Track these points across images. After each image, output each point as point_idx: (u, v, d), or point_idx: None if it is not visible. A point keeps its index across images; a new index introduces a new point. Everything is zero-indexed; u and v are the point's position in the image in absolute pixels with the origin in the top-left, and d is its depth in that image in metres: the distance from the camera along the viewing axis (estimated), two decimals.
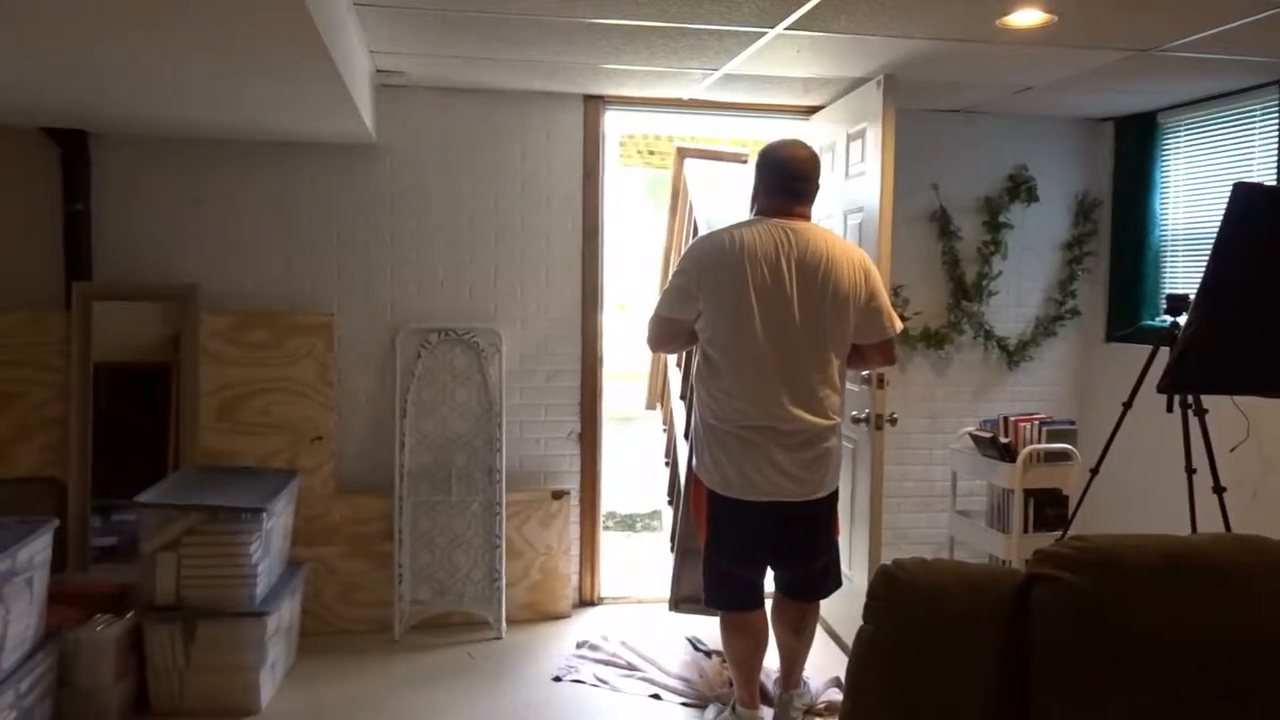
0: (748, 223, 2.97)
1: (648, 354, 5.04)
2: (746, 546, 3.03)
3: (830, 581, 3.16)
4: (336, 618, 4.06)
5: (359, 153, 4.11)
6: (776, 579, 3.17)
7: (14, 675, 2.80)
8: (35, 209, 3.87)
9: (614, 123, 4.49)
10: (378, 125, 4.03)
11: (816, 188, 3.02)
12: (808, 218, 3.00)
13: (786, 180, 2.98)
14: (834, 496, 3.07)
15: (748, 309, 2.83)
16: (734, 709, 3.22)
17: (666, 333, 3.06)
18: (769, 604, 3.20)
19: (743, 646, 3.13)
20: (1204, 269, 2.90)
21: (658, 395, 5.10)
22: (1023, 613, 1.55)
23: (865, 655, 1.60)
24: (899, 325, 3.03)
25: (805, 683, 3.32)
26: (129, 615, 3.29)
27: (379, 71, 3.82)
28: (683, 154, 4.64)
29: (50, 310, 3.85)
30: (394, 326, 4.18)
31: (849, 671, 1.64)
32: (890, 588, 1.62)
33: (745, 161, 4.58)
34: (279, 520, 3.61)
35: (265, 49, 2.48)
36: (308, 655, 3.81)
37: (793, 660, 3.23)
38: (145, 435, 3.95)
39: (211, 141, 4.01)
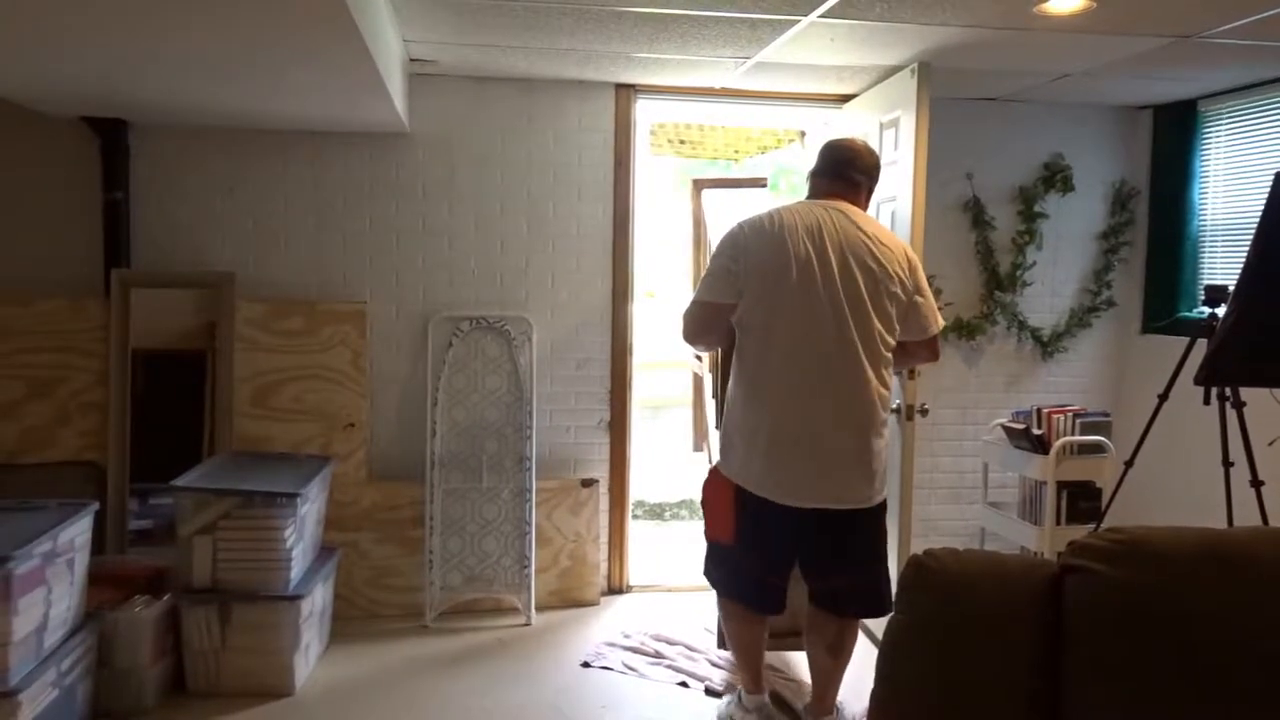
0: (792, 205, 2.80)
1: (683, 353, 4.83)
2: (771, 549, 2.80)
3: (879, 600, 2.85)
4: (368, 602, 4.11)
5: (392, 141, 4.13)
6: (811, 592, 2.92)
7: (55, 654, 2.86)
8: (75, 197, 3.93)
9: (645, 111, 4.48)
10: (411, 114, 4.05)
11: (871, 180, 2.88)
12: (862, 203, 2.86)
13: (837, 164, 2.84)
14: (882, 506, 2.80)
15: (791, 295, 2.62)
16: (739, 698, 3.10)
17: (705, 320, 2.80)
18: (784, 616, 3.03)
19: (744, 633, 2.96)
20: (1244, 259, 2.85)
21: (704, 434, 4.92)
22: (1056, 604, 1.54)
23: (896, 644, 1.60)
24: (941, 322, 2.88)
25: (840, 708, 3.12)
26: (166, 597, 3.34)
27: (412, 60, 3.84)
28: (699, 185, 4.58)
29: (90, 297, 3.91)
30: (426, 314, 4.21)
31: (879, 660, 1.64)
32: (921, 577, 1.61)
33: (764, 185, 4.51)
34: (313, 506, 3.65)
35: (302, 39, 2.50)
36: (340, 639, 3.86)
37: (826, 683, 2.98)
38: (182, 421, 4.01)
39: (248, 131, 4.05)
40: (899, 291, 2.69)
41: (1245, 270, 2.72)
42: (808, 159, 5.30)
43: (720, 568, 2.95)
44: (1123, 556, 1.51)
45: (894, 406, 3.69)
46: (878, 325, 2.66)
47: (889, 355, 2.71)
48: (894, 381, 2.86)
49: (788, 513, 2.68)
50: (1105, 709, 1.47)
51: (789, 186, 6.83)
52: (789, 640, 3.49)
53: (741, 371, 2.77)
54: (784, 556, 2.83)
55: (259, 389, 4.02)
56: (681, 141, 8.45)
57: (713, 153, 8.37)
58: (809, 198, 2.86)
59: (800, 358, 2.64)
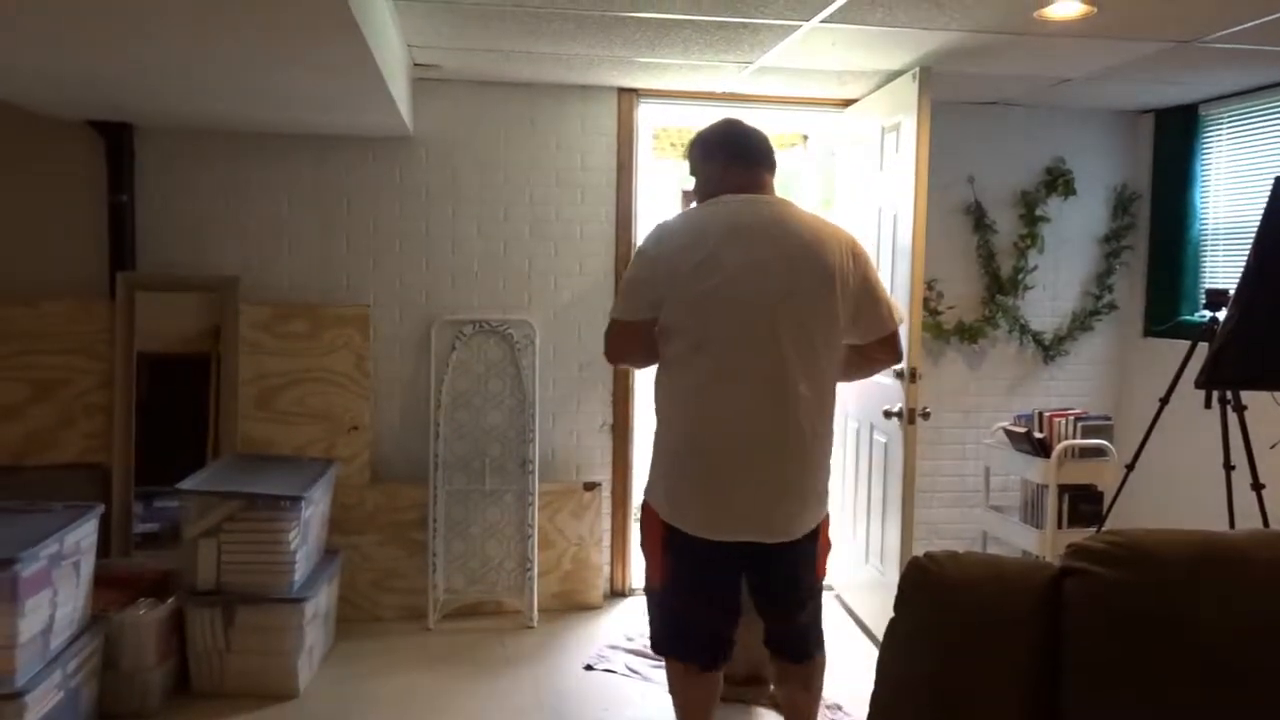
0: (710, 203, 2.43)
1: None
2: (704, 593, 2.43)
3: (812, 639, 2.55)
4: (372, 605, 4.12)
5: (396, 146, 4.15)
6: (767, 637, 2.59)
7: (61, 656, 2.88)
8: (81, 200, 3.95)
9: (647, 116, 4.50)
10: (414, 118, 4.07)
11: (771, 154, 2.50)
12: (771, 189, 2.48)
13: (743, 150, 2.46)
14: (818, 531, 2.45)
15: (715, 300, 2.28)
16: None
17: (623, 338, 2.46)
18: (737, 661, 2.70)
19: (687, 693, 2.52)
20: (1244, 263, 2.86)
21: None
22: (1055, 606, 1.54)
23: (895, 646, 1.61)
24: (901, 316, 2.51)
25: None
26: (171, 600, 3.36)
27: (416, 65, 3.86)
28: (688, 197, 4.59)
29: (95, 300, 3.93)
30: (429, 318, 4.23)
31: (879, 663, 1.65)
32: (921, 579, 1.62)
33: None
34: (317, 508, 3.67)
35: (307, 45, 2.52)
36: (344, 641, 3.87)
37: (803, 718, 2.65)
38: (186, 424, 4.03)
39: (252, 135, 4.07)
40: (843, 291, 2.33)
41: (1245, 274, 2.73)
42: (810, 161, 5.33)
43: (654, 617, 2.57)
44: (1121, 559, 1.52)
45: (895, 410, 3.70)
46: (817, 333, 2.32)
47: (832, 365, 2.38)
48: (835, 396, 2.44)
49: (718, 549, 2.33)
50: (1104, 711, 1.48)
51: (794, 192, 6.84)
52: (749, 690, 3.38)
53: (662, 389, 2.44)
54: (720, 602, 2.43)
55: (263, 392, 4.04)
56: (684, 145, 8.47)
57: None
58: (717, 192, 2.43)
59: (723, 374, 2.29)
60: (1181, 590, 1.49)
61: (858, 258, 2.39)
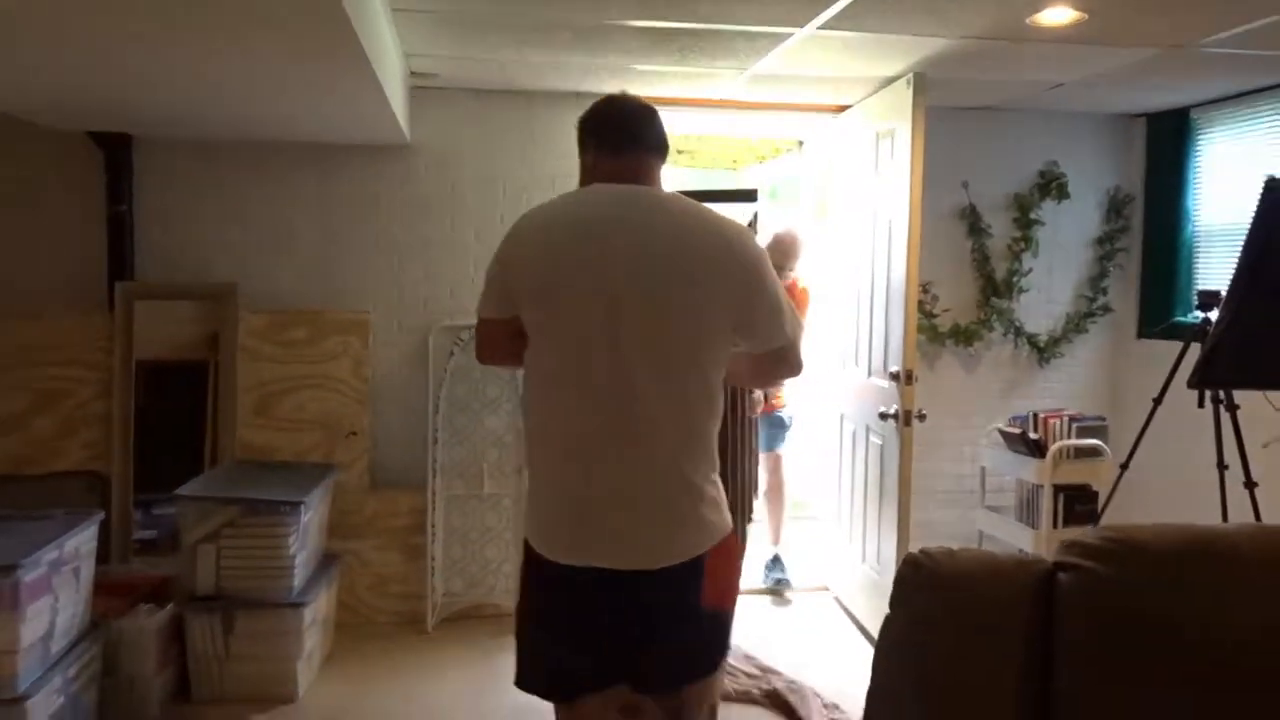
0: (575, 192, 2.19)
1: None
2: (564, 624, 2.11)
3: (705, 656, 2.14)
4: (370, 609, 4.14)
5: (394, 154, 4.18)
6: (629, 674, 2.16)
7: (61, 662, 2.89)
8: (80, 211, 3.97)
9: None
10: (412, 127, 4.09)
11: (659, 142, 2.17)
12: (652, 180, 2.15)
13: (614, 134, 2.13)
14: (699, 562, 2.03)
15: (568, 303, 2.03)
16: None
17: (487, 337, 2.24)
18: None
19: None
20: (1235, 265, 2.89)
21: None
22: (1048, 600, 1.57)
23: (891, 641, 1.63)
24: (800, 328, 2.17)
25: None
26: (170, 606, 3.37)
27: (413, 74, 3.88)
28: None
29: (94, 309, 3.95)
30: (428, 324, 4.24)
31: (875, 658, 1.67)
32: (916, 575, 1.65)
33: (753, 198, 4.25)
34: (316, 514, 3.68)
35: (304, 53, 2.54)
36: (343, 646, 3.88)
37: None
38: (185, 431, 4.04)
39: (251, 144, 4.09)
40: (728, 294, 2.03)
41: (1236, 275, 2.76)
42: (806, 167, 5.36)
43: (528, 659, 2.22)
44: (1114, 554, 1.54)
45: (891, 412, 3.73)
46: (682, 339, 2.02)
47: (704, 374, 2.05)
48: (717, 409, 2.10)
49: (578, 574, 2.04)
50: (1097, 703, 1.50)
51: (790, 197, 6.87)
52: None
53: (523, 397, 2.20)
54: (579, 632, 2.10)
55: (262, 399, 4.05)
56: (680, 151, 8.50)
57: (710, 161, 8.43)
58: (591, 180, 2.17)
59: (563, 380, 2.06)
60: (1174, 584, 1.51)
61: (751, 261, 2.06)
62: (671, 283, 2.00)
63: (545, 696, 2.19)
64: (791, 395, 4.59)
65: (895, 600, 1.67)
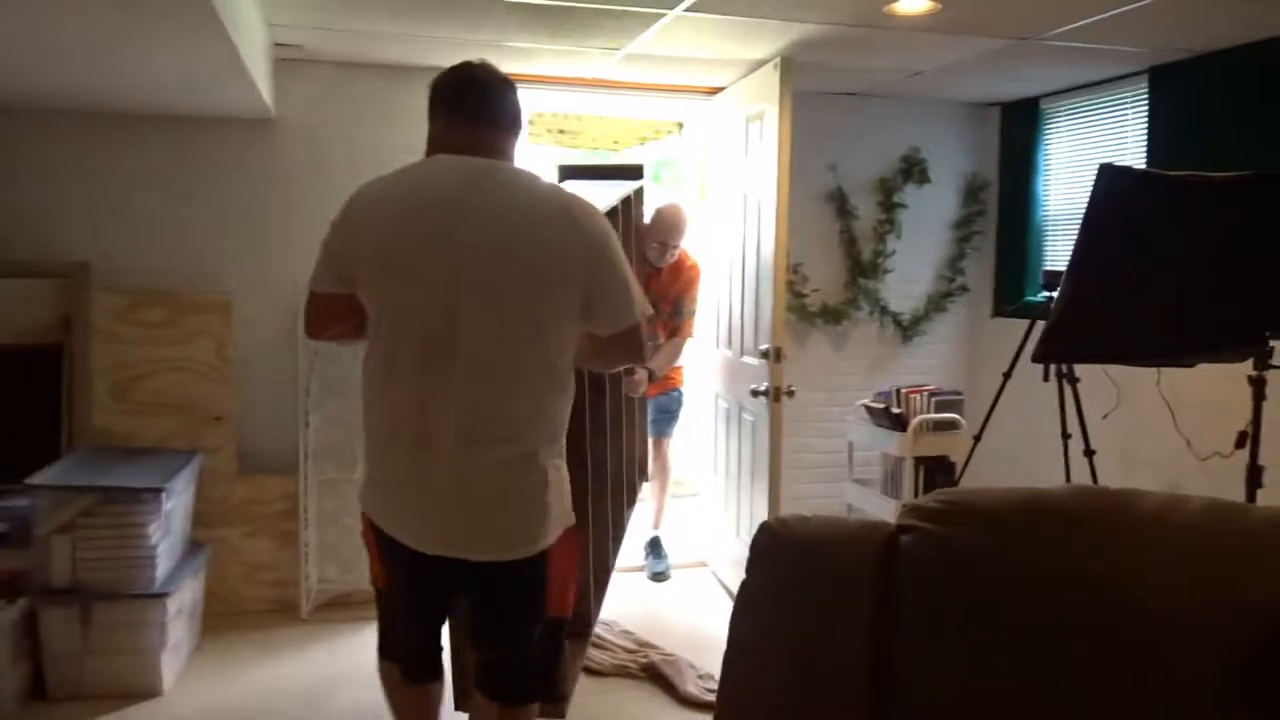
0: (418, 164, 2.09)
1: None
2: (409, 601, 2.18)
3: (530, 679, 2.18)
4: (241, 599, 4.03)
5: (258, 128, 4.04)
6: (474, 667, 2.23)
7: None
8: None
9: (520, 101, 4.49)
10: (276, 100, 3.97)
11: (510, 111, 2.10)
12: (504, 154, 2.07)
13: (467, 103, 2.05)
14: (543, 558, 2.04)
15: (405, 279, 1.96)
16: None
17: (319, 312, 2.14)
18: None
19: (400, 703, 2.29)
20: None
21: None
22: (891, 561, 1.66)
23: (745, 604, 1.70)
24: (645, 310, 2.08)
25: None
26: (21, 600, 3.22)
27: (277, 45, 3.77)
28: (564, 173, 4.42)
29: None
30: (295, 304, 4.12)
31: (731, 622, 1.74)
32: (770, 541, 1.72)
33: (639, 176, 4.05)
34: (179, 501, 3.56)
35: (156, 19, 2.45)
36: (213, 636, 3.78)
37: None
38: (37, 419, 3.85)
39: (106, 115, 3.90)
40: (564, 274, 1.97)
41: (1073, 256, 2.94)
42: (687, 149, 5.43)
43: (380, 616, 2.30)
44: (949, 515, 1.64)
45: (761, 389, 3.83)
46: (521, 321, 1.97)
47: (546, 358, 2.01)
48: (565, 392, 2.09)
49: (419, 558, 2.02)
50: (936, 661, 1.59)
51: (673, 178, 6.94)
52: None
53: (363, 374, 2.10)
54: (424, 614, 2.19)
55: (119, 382, 3.89)
56: (561, 131, 8.47)
57: (592, 143, 8.43)
58: (438, 150, 2.08)
59: (398, 362, 1.98)
60: (1006, 544, 1.62)
61: (592, 234, 2.00)
62: (515, 261, 1.94)
63: (398, 664, 2.22)
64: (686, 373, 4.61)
65: (750, 566, 1.74)
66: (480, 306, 1.93)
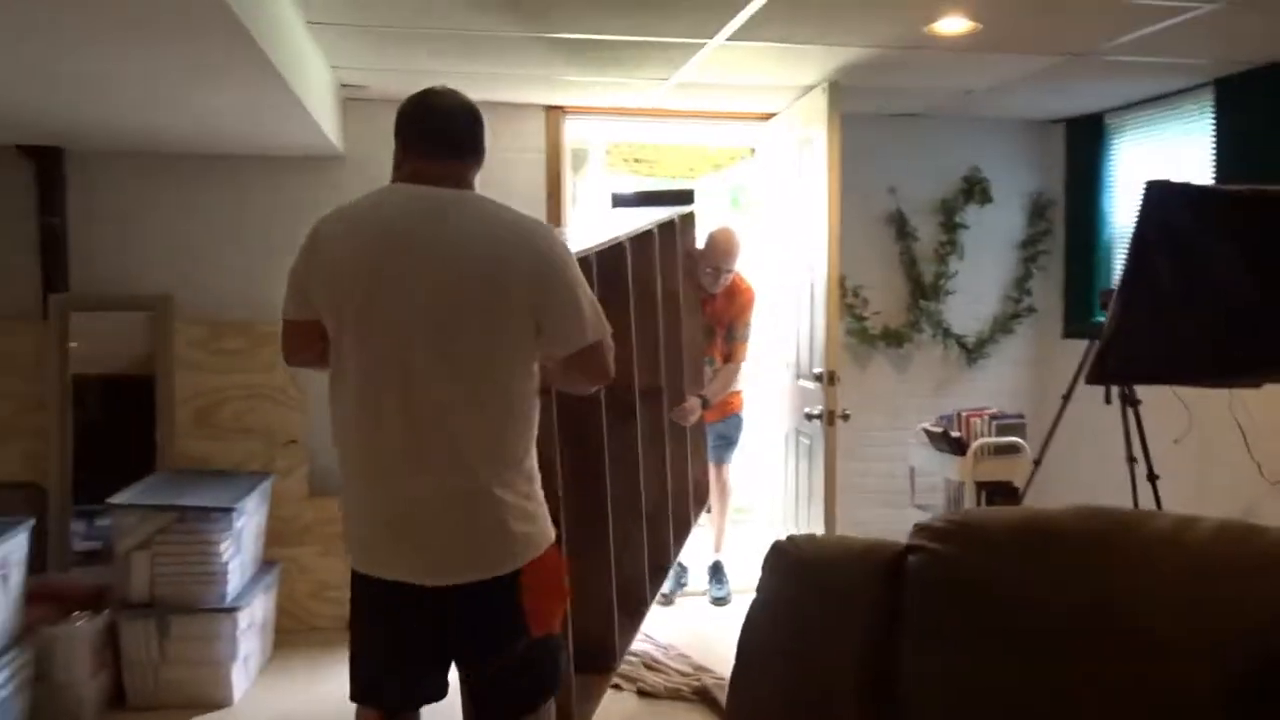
0: (376, 193, 2.08)
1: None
2: (379, 641, 2.11)
3: (530, 679, 2.11)
4: (311, 615, 4.18)
5: (328, 165, 4.24)
6: (461, 686, 2.18)
7: None
8: (13, 223, 4.00)
9: (578, 130, 4.62)
10: (344, 138, 4.16)
11: (474, 142, 2.09)
12: (465, 183, 2.06)
13: (428, 131, 2.05)
14: (517, 577, 2.01)
15: (357, 310, 1.97)
16: None
17: (287, 337, 2.15)
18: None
19: None
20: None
21: None
22: (897, 579, 1.66)
23: (754, 624, 1.72)
24: (602, 328, 2.06)
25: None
26: (105, 613, 3.41)
27: (343, 86, 3.95)
28: (617, 201, 4.48)
29: (29, 321, 3.98)
30: None
31: (740, 639, 1.76)
32: (779, 560, 1.74)
33: (690, 200, 4.22)
34: (250, 520, 3.73)
35: (216, 68, 2.62)
36: (283, 651, 3.93)
37: None
38: (129, 443, 4.08)
39: (185, 156, 4.14)
40: (524, 296, 1.97)
41: (1124, 273, 2.88)
42: (761, 175, 5.45)
43: (352, 665, 2.20)
44: (955, 535, 1.64)
45: (816, 413, 3.83)
46: (486, 349, 1.98)
47: (508, 384, 2.01)
48: (527, 418, 2.05)
49: (389, 587, 2.01)
50: (938, 678, 1.59)
51: (750, 203, 6.97)
52: None
53: (330, 406, 2.09)
54: (395, 650, 2.09)
55: (200, 409, 4.10)
56: (637, 160, 8.61)
57: (668, 171, 8.55)
58: (397, 179, 2.08)
59: (360, 392, 1.99)
60: (1009, 564, 1.61)
61: (549, 259, 2.01)
62: (463, 295, 1.94)
63: (373, 708, 2.17)
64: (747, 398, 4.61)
65: (760, 585, 1.77)
66: (429, 340, 1.94)
